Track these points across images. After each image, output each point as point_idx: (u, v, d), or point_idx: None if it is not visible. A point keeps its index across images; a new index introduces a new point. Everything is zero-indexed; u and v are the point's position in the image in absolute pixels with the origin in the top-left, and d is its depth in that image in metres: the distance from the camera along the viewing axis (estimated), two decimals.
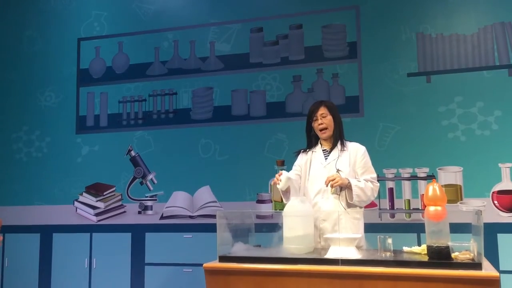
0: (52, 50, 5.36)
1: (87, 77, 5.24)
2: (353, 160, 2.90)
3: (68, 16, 5.37)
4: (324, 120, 2.92)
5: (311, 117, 2.96)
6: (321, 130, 2.93)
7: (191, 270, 4.58)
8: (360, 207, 2.90)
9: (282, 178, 2.75)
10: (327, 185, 2.75)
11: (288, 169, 3.07)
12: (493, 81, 4.17)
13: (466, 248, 2.11)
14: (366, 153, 2.95)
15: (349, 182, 2.77)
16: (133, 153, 5.00)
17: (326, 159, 2.92)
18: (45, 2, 5.44)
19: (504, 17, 4.20)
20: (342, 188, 2.81)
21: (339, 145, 2.93)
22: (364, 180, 2.84)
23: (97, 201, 5.00)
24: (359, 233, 2.78)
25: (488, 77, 4.19)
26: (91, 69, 5.25)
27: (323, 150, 2.97)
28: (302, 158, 3.01)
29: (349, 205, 2.85)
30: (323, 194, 2.85)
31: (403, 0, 4.44)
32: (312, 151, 2.99)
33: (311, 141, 3.01)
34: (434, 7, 4.38)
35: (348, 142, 2.98)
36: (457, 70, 4.27)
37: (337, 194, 2.80)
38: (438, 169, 4.17)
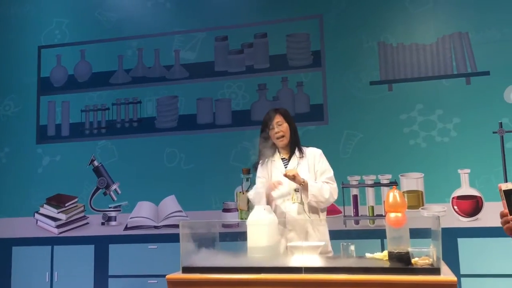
0: (11, 58, 5.21)
1: (48, 85, 5.12)
2: (312, 165, 2.92)
3: (28, 23, 5.24)
4: (280, 128, 2.93)
5: (267, 125, 2.96)
6: (278, 138, 2.94)
7: (156, 281, 4.50)
8: (322, 211, 2.91)
9: (281, 189, 2.76)
10: (285, 175, 2.78)
11: (252, 179, 3.06)
12: (452, 90, 4.29)
13: (425, 254, 2.14)
14: (323, 155, 2.97)
15: (304, 181, 2.78)
16: (96, 163, 4.90)
17: (286, 167, 2.93)
18: (4, 8, 5.30)
19: (461, 27, 4.34)
20: (302, 192, 2.82)
21: (297, 152, 2.94)
22: (322, 182, 2.86)
23: (58, 212, 4.87)
24: (325, 240, 2.80)
25: (447, 86, 4.31)
26: (52, 78, 5.13)
27: (282, 159, 2.98)
28: (263, 170, 3.00)
29: (313, 211, 2.86)
30: (286, 203, 2.86)
31: (365, 9, 4.53)
32: (271, 161, 2.99)
33: (266, 151, 2.98)
34: (395, 17, 4.48)
35: (305, 147, 3.00)
36: (417, 78, 4.37)
37: (299, 202, 2.81)
38: (400, 175, 4.25)
